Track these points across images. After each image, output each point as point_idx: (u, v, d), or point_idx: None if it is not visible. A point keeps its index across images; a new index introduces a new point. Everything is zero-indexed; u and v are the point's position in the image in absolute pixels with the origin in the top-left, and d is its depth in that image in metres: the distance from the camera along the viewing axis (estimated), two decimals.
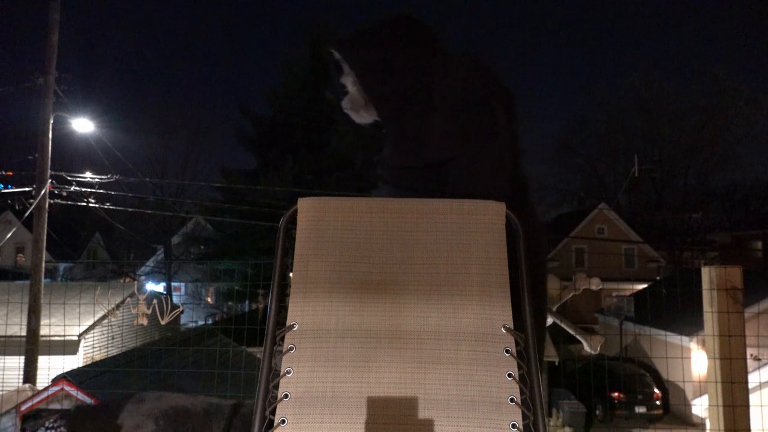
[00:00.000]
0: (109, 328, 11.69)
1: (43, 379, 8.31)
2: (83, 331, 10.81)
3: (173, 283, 27.39)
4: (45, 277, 9.52)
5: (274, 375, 0.91)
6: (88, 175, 11.78)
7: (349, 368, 0.91)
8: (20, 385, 7.81)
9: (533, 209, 1.31)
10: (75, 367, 8.41)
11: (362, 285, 0.98)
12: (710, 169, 32.59)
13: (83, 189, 11.42)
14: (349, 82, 1.34)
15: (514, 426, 0.87)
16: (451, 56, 1.31)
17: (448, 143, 1.22)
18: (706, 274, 2.29)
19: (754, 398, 2.31)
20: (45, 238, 9.30)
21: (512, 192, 1.18)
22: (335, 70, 1.35)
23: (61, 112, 9.74)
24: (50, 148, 9.33)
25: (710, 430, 2.18)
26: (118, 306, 9.86)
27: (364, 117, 1.35)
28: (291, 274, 1.00)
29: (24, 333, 8.77)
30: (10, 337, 9.35)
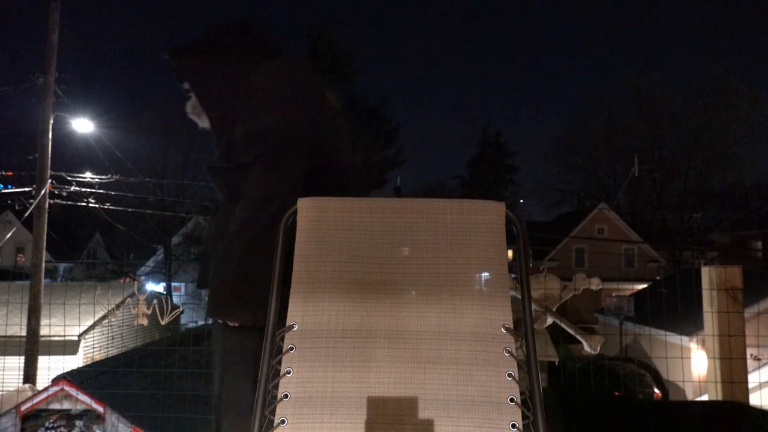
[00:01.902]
0: (109, 328, 11.68)
1: (43, 379, 8.30)
2: (83, 331, 10.80)
3: (173, 283, 27.36)
4: (45, 277, 9.51)
5: (274, 375, 0.91)
6: (88, 175, 11.77)
7: (348, 368, 0.91)
8: (20, 385, 7.81)
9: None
10: (75, 367, 8.40)
11: (362, 285, 0.98)
12: (710, 169, 32.59)
13: (83, 189, 11.41)
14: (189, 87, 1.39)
15: (514, 426, 0.87)
16: (272, 62, 1.36)
17: (252, 145, 1.26)
18: (706, 274, 2.29)
19: (754, 398, 2.31)
20: (45, 238, 9.30)
21: (313, 193, 1.22)
22: (177, 76, 1.39)
23: (61, 112, 9.74)
24: (50, 148, 9.32)
25: None
26: (118, 306, 9.84)
27: (206, 122, 1.38)
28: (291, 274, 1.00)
29: (24, 333, 8.76)
30: (10, 337, 9.34)
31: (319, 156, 1.30)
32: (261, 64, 1.34)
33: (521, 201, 37.30)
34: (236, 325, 1.24)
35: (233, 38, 1.38)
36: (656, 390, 14.11)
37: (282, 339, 0.94)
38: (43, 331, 9.02)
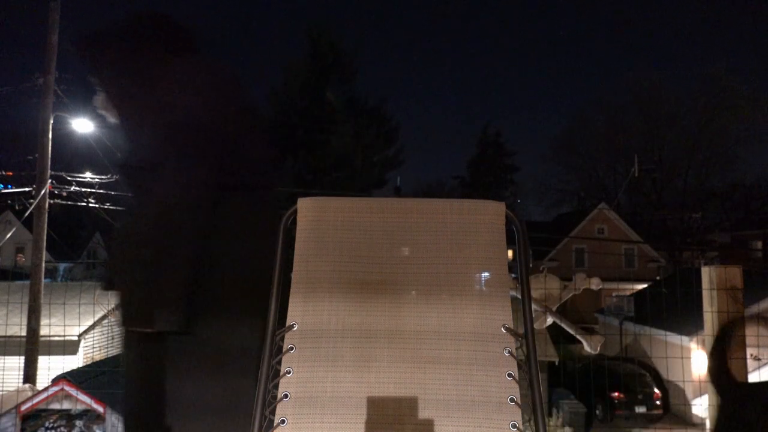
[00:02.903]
0: (109, 328, 11.67)
1: (43, 379, 8.29)
2: (83, 331, 10.80)
3: None
4: (45, 277, 9.51)
5: (274, 375, 0.91)
6: (88, 175, 11.76)
7: (349, 368, 0.91)
8: (20, 385, 7.80)
9: (251, 217, 1.28)
10: (75, 367, 8.40)
11: (362, 285, 0.98)
12: (710, 169, 32.63)
13: (83, 189, 11.40)
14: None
15: (514, 426, 0.87)
16: (183, 58, 1.30)
17: (160, 143, 1.22)
18: (706, 274, 2.28)
19: None
20: (45, 238, 9.30)
21: (215, 196, 1.19)
22: (86, 68, 1.34)
23: (61, 112, 9.73)
24: (50, 148, 9.32)
25: (710, 430, 2.18)
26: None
27: (115, 117, 1.33)
28: (291, 274, 1.00)
29: (24, 333, 8.76)
30: (10, 337, 9.34)
31: (232, 152, 1.24)
32: (171, 60, 1.28)
33: (518, 201, 37.35)
34: (149, 331, 1.18)
35: (143, 32, 1.32)
36: (656, 390, 14.10)
37: (282, 339, 0.94)
38: (43, 331, 9.01)
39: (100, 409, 4.93)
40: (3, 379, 8.40)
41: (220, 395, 1.16)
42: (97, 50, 1.31)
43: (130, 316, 1.18)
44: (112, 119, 1.33)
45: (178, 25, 1.34)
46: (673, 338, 12.84)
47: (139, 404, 1.22)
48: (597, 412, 13.94)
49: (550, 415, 12.33)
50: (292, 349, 0.92)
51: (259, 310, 1.15)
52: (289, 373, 0.90)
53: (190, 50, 1.33)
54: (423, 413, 0.88)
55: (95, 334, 11.38)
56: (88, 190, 11.63)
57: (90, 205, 12.20)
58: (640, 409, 13.84)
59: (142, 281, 1.16)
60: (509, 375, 0.90)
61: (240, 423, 1.16)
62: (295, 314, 0.95)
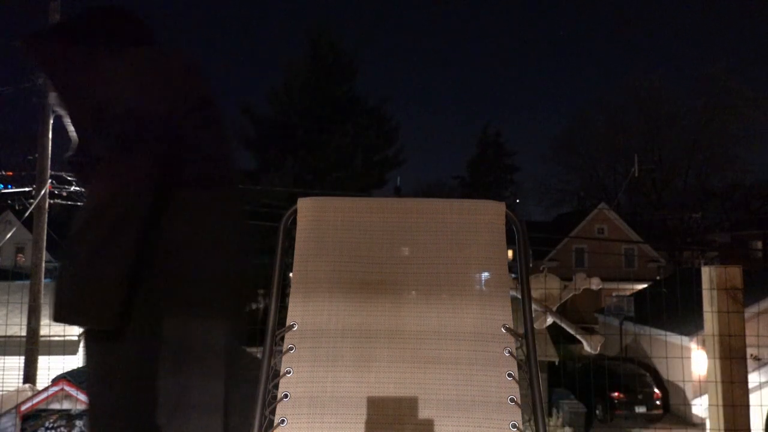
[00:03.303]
0: None
1: (43, 379, 8.30)
2: (83, 330, 10.80)
3: None
4: (45, 277, 9.52)
5: (274, 375, 0.91)
6: None
7: (349, 368, 0.91)
8: (20, 385, 7.81)
9: (196, 217, 1.26)
10: (75, 367, 8.40)
11: (362, 285, 0.98)
12: (710, 169, 32.69)
13: (83, 189, 11.41)
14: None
15: (514, 426, 0.87)
16: (130, 50, 1.27)
17: (101, 136, 1.20)
18: (706, 274, 2.28)
19: (754, 398, 2.31)
20: (45, 238, 9.30)
21: (168, 192, 1.17)
22: (35, 65, 1.34)
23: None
24: (50, 148, 9.33)
25: (710, 430, 2.18)
26: None
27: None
28: (291, 274, 1.00)
29: (24, 333, 8.76)
30: (10, 337, 9.34)
31: (180, 147, 1.22)
32: (118, 53, 1.26)
33: (518, 201, 37.42)
34: (81, 329, 1.18)
35: (90, 25, 1.30)
36: (656, 390, 14.11)
37: (282, 339, 0.94)
38: (43, 331, 9.02)
39: None
40: (3, 379, 8.40)
41: (176, 395, 1.15)
42: (42, 45, 1.30)
43: (59, 310, 1.17)
44: (63, 114, 1.31)
45: (129, 18, 1.31)
46: (673, 338, 12.85)
47: (98, 403, 1.22)
48: (597, 412, 13.96)
49: (550, 415, 12.35)
50: (292, 349, 0.92)
51: (221, 308, 1.14)
52: (289, 373, 0.91)
53: (141, 42, 1.31)
54: (423, 413, 0.88)
55: None
56: None
57: None
58: (640, 409, 13.86)
59: (75, 277, 1.15)
60: (509, 375, 0.90)
61: (205, 424, 1.15)
62: (295, 314, 0.95)
